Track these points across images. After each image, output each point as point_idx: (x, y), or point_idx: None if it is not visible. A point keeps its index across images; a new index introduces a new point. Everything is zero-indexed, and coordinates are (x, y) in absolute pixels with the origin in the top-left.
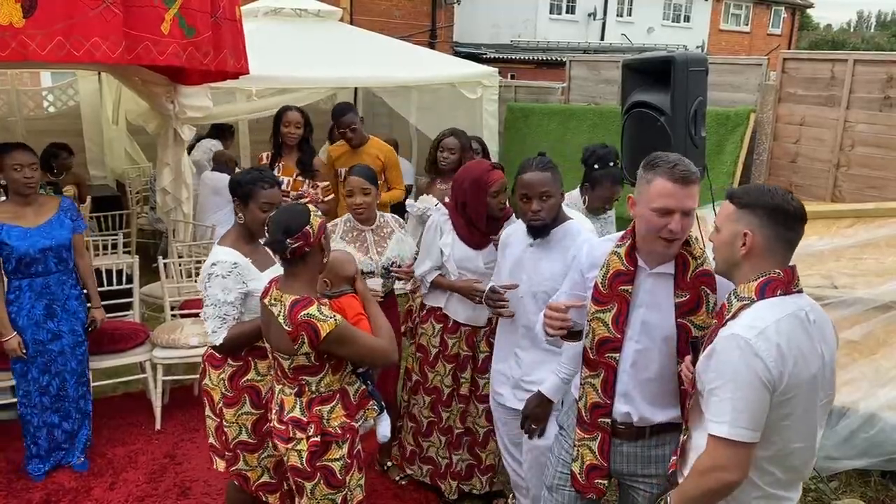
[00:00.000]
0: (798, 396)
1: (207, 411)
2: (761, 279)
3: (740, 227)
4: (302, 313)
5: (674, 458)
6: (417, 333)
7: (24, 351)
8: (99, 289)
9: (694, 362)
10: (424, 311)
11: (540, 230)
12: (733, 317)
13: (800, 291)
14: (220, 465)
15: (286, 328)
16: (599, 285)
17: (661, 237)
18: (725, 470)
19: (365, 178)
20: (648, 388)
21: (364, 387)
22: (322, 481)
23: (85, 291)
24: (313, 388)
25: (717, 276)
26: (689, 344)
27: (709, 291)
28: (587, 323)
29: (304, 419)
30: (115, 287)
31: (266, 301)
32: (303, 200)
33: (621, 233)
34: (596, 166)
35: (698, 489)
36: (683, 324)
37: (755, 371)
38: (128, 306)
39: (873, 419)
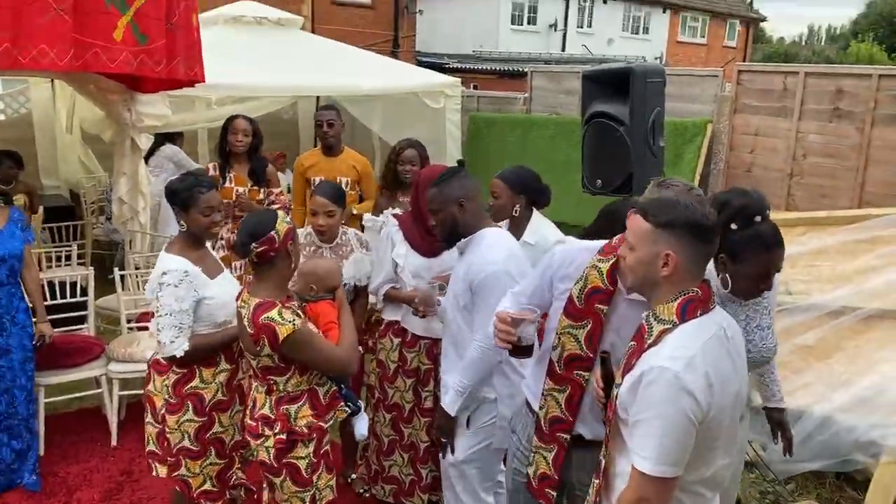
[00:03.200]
0: (723, 419)
1: (148, 417)
2: (681, 299)
3: (660, 248)
4: (263, 316)
5: (596, 481)
6: (377, 349)
7: None
8: (53, 302)
9: (604, 377)
10: (382, 326)
11: (445, 239)
12: (655, 342)
13: (714, 307)
14: (161, 470)
15: (249, 330)
16: (575, 299)
17: None
18: (650, 503)
19: (330, 198)
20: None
21: (335, 388)
22: (288, 478)
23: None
24: (281, 388)
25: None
26: (599, 358)
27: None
28: (557, 336)
29: (272, 417)
30: (69, 300)
31: (238, 303)
32: (274, 206)
33: (600, 243)
34: (735, 226)
35: None
36: None
37: (683, 410)
38: (82, 319)
39: (828, 422)
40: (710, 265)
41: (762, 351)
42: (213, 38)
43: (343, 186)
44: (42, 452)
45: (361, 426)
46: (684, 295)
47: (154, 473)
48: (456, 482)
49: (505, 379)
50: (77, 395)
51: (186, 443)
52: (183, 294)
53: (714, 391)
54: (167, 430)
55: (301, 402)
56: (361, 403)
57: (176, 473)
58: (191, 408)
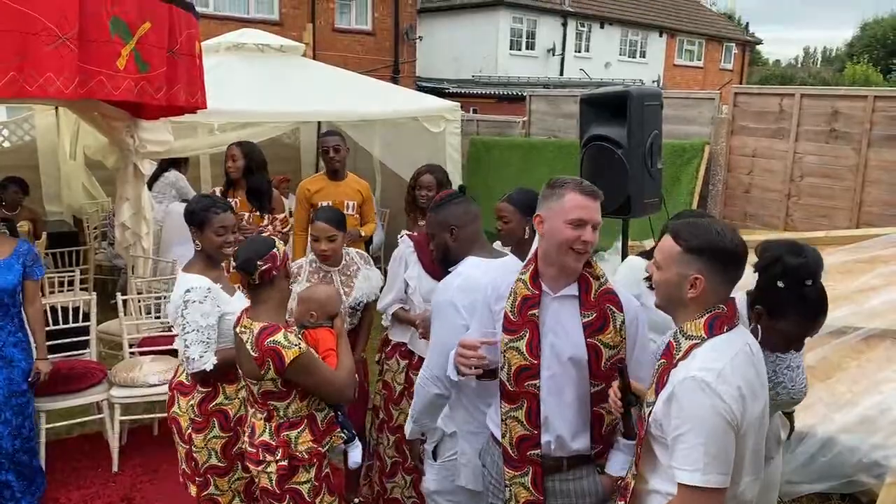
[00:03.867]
0: (751, 433)
1: (176, 438)
2: (708, 315)
3: (689, 272)
4: (268, 339)
5: (621, 502)
6: (383, 370)
7: None
8: (55, 327)
9: (621, 388)
10: (389, 347)
11: (440, 263)
12: (684, 357)
13: (738, 323)
14: (192, 489)
15: (253, 354)
16: (509, 314)
17: (574, 248)
18: None
19: (331, 223)
20: (565, 413)
21: (332, 414)
22: (292, 503)
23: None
24: (281, 414)
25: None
26: (617, 369)
27: (614, 310)
28: (502, 355)
29: (273, 443)
30: (71, 325)
31: (237, 329)
32: (264, 234)
33: (520, 263)
34: (782, 284)
35: None
36: (593, 343)
37: (722, 415)
38: (84, 345)
39: (831, 443)
40: (743, 299)
41: (792, 392)
42: (215, 64)
43: (349, 210)
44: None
45: (355, 454)
46: (711, 312)
47: (188, 491)
48: None
49: (467, 415)
50: (78, 420)
51: (214, 460)
52: (208, 310)
53: (745, 404)
54: (194, 449)
55: (301, 427)
56: (354, 432)
57: (205, 493)
58: (216, 424)
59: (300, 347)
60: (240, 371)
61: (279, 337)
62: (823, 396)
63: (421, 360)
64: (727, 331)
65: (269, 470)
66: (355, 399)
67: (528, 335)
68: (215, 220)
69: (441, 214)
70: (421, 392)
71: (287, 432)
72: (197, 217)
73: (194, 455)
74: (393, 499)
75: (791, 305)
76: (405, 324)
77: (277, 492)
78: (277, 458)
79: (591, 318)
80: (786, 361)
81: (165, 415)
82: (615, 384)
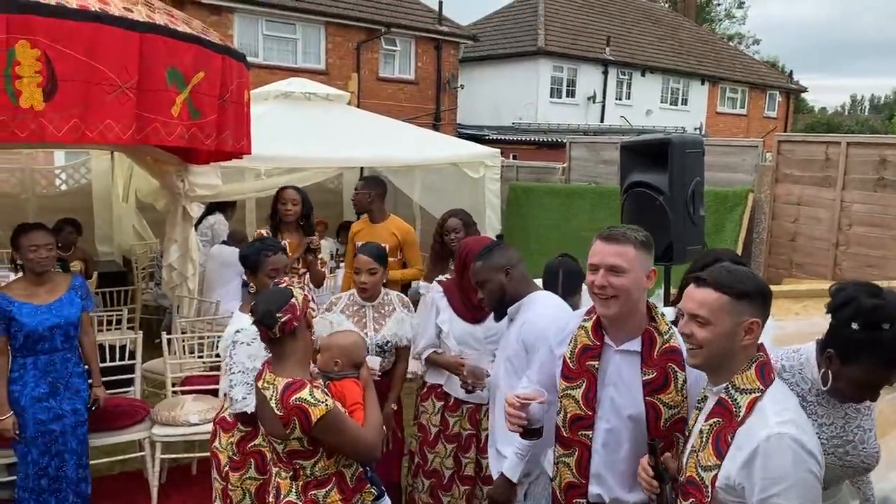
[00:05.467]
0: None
1: (214, 474)
2: (755, 365)
3: (743, 318)
4: (294, 397)
5: None
6: (418, 412)
7: (18, 433)
8: (102, 365)
9: (652, 464)
10: (425, 389)
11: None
12: (748, 412)
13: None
14: None
15: (278, 412)
16: (568, 360)
17: (593, 293)
18: None
19: (372, 257)
20: (620, 468)
21: (361, 469)
22: None
23: (87, 368)
24: (308, 472)
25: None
26: (648, 445)
27: (676, 369)
28: (559, 401)
29: (300, 503)
30: (117, 363)
31: (259, 384)
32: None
33: (587, 307)
34: (856, 325)
35: None
36: (652, 402)
37: (813, 472)
38: (129, 382)
39: (886, 502)
40: (811, 353)
41: (863, 456)
42: (264, 112)
43: None
44: None
45: None
46: (756, 361)
47: None
48: None
49: None
50: (119, 458)
51: (247, 501)
52: (255, 352)
53: (821, 449)
54: (230, 487)
55: (329, 486)
56: (384, 488)
57: None
58: (253, 465)
59: (327, 405)
60: (262, 429)
61: (305, 394)
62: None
63: (457, 402)
64: (774, 378)
65: None
66: (389, 450)
67: (584, 385)
68: (267, 262)
69: (491, 259)
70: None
71: (315, 491)
72: (250, 260)
73: (230, 493)
74: None
75: (865, 349)
76: (440, 367)
77: None
78: None
79: (651, 376)
80: (856, 421)
81: (205, 454)
82: (644, 460)
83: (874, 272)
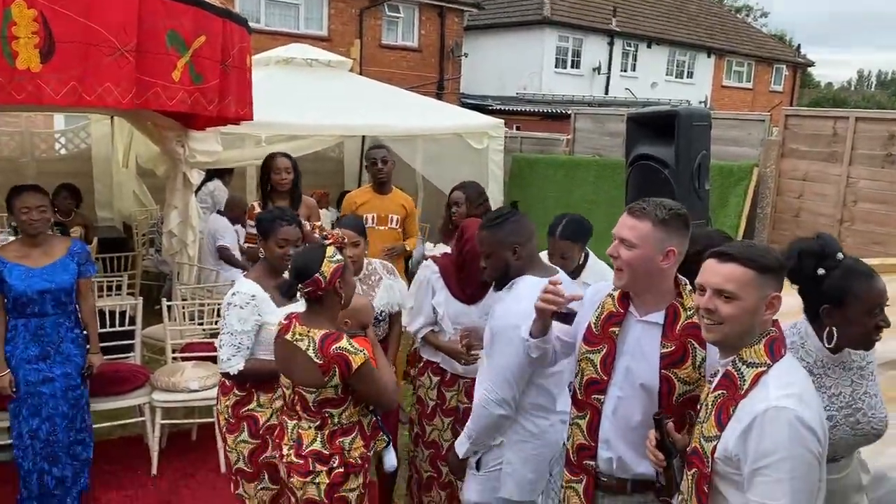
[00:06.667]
0: (823, 462)
1: (217, 433)
2: (765, 340)
3: (767, 293)
4: (334, 346)
5: None
6: (416, 386)
7: (14, 390)
8: (101, 330)
9: (659, 440)
10: (421, 364)
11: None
12: (752, 386)
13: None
14: (232, 484)
15: (317, 361)
16: (592, 326)
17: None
18: None
19: (354, 229)
20: (631, 435)
21: (375, 419)
22: None
23: (85, 334)
24: (335, 420)
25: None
26: (654, 420)
27: (696, 345)
28: (577, 363)
29: (327, 452)
30: (117, 328)
31: (288, 337)
32: (327, 242)
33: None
34: (822, 270)
35: None
36: (667, 375)
37: (809, 448)
38: (129, 348)
39: (882, 479)
40: (806, 325)
41: (872, 422)
42: (265, 77)
43: (392, 224)
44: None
45: (391, 458)
46: (767, 335)
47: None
48: None
49: (515, 423)
50: (120, 422)
51: (241, 464)
52: (246, 316)
53: (825, 426)
54: (227, 448)
55: (353, 433)
56: (390, 436)
57: (237, 492)
58: (246, 429)
59: (364, 354)
60: (285, 381)
61: (344, 343)
62: None
63: (453, 377)
64: (784, 353)
65: (318, 480)
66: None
67: (604, 350)
68: (279, 231)
69: (502, 232)
70: (483, 413)
71: (341, 438)
72: (263, 226)
73: (227, 453)
74: None
75: (847, 279)
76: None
77: (326, 502)
78: (333, 465)
79: (670, 349)
80: (862, 387)
81: (204, 420)
82: (651, 433)
83: (879, 249)
